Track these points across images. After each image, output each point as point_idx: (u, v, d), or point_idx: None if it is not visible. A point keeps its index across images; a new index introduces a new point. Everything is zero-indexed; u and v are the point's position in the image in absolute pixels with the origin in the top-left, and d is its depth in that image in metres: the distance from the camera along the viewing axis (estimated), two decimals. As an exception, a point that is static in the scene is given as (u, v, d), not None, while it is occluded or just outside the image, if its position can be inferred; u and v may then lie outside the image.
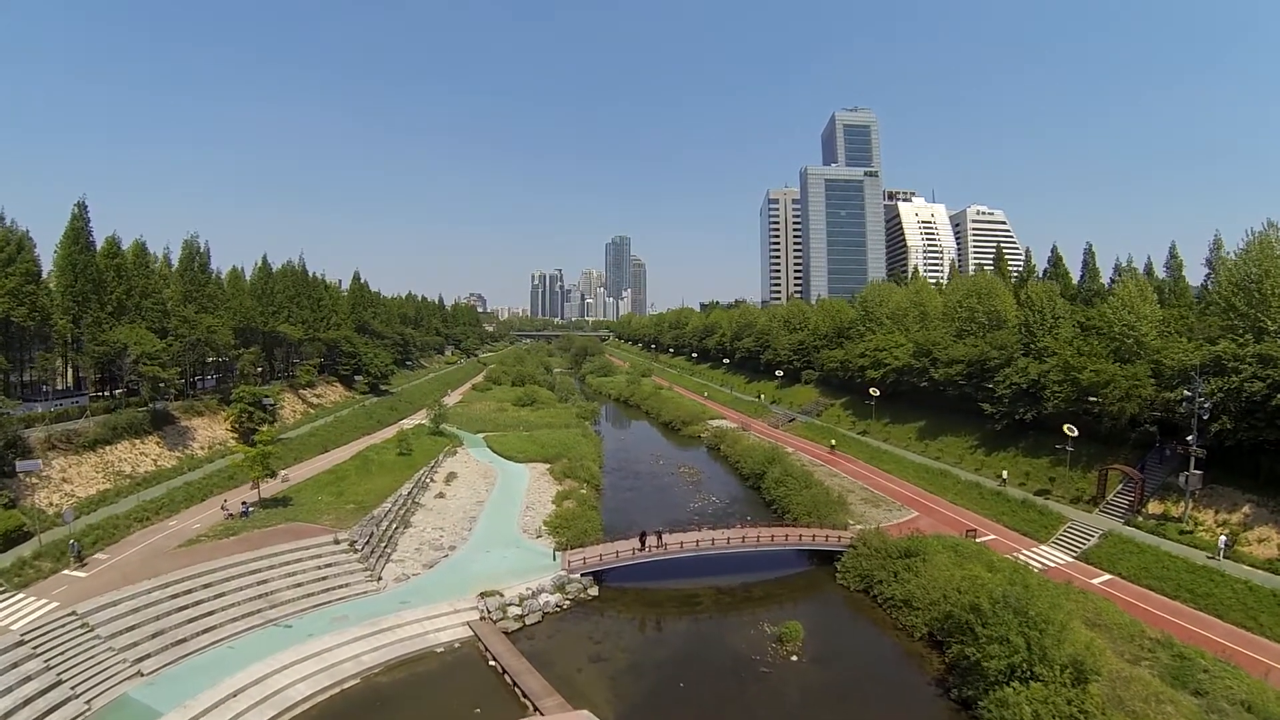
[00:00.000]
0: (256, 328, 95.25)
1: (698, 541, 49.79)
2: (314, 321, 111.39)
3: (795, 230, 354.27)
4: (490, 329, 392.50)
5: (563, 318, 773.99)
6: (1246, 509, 44.28)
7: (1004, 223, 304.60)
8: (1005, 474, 63.79)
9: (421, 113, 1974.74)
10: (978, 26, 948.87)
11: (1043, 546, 50.25)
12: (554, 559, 49.06)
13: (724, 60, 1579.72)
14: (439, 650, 37.34)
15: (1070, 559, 47.65)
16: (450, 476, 73.70)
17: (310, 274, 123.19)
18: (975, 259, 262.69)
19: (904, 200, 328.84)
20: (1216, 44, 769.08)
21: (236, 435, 69.60)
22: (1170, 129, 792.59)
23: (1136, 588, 42.33)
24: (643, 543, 48.68)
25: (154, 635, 34.69)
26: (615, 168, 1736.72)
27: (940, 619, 38.20)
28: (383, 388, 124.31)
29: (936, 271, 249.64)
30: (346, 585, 43.25)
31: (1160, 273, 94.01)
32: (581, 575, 46.02)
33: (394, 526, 54.59)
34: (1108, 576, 44.09)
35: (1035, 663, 29.78)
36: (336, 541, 46.70)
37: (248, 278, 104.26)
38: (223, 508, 51.82)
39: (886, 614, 42.82)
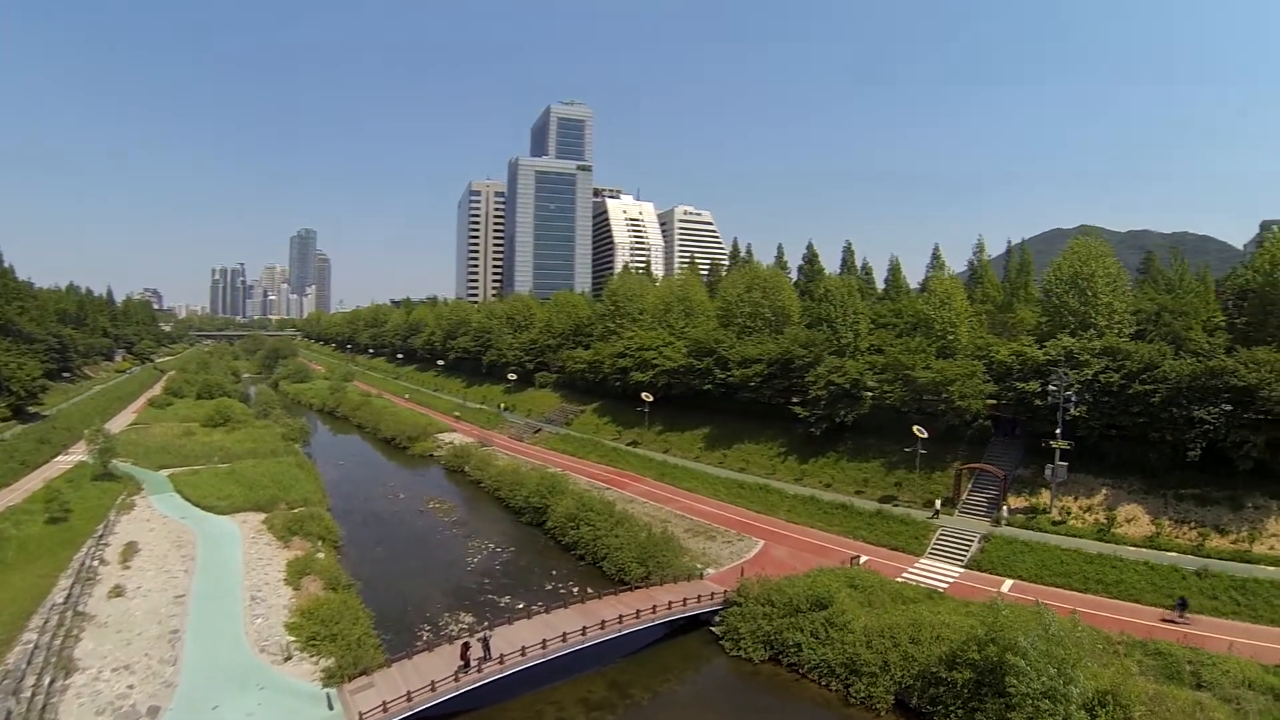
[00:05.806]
0: None
1: (544, 641, 36.40)
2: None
3: (497, 224, 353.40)
4: (168, 329, 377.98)
5: (245, 316, 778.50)
6: (1105, 492, 49.88)
7: (710, 223, 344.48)
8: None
9: (90, 76, 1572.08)
10: (680, 31, 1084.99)
11: (924, 560, 49.85)
12: (330, 705, 31.32)
13: (420, 51, 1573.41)
14: None
15: (961, 569, 47.77)
16: (129, 550, 52.76)
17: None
18: (682, 257, 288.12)
19: (612, 197, 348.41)
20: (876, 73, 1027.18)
21: None
22: (840, 144, 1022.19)
23: (1044, 588, 43.24)
24: (465, 657, 34.19)
25: None
26: (300, 158, 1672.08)
27: (913, 682, 33.17)
28: (31, 409, 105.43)
29: (640, 267, 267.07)
30: None
31: (881, 275, 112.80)
32: (383, 729, 29.80)
33: (48, 679, 31.93)
34: (1011, 582, 44.79)
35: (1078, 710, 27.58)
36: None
37: None
38: None
39: (822, 687, 36.14)
